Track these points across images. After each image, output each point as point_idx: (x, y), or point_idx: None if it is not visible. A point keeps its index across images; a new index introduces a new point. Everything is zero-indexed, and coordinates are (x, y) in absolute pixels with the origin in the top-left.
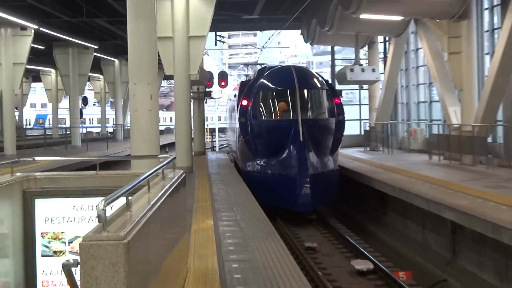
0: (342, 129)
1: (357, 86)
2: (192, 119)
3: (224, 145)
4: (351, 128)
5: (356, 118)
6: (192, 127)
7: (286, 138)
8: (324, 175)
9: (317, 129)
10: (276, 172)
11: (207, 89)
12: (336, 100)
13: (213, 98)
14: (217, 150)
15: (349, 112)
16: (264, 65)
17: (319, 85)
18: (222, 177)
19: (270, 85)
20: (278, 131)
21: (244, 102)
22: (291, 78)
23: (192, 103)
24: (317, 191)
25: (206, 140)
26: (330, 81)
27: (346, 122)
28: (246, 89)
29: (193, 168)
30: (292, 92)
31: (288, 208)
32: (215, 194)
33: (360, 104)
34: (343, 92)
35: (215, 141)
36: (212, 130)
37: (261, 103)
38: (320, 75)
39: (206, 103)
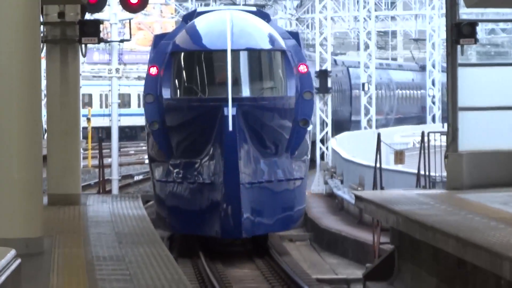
0: (308, 114)
1: None
2: (43, 100)
3: (139, 175)
4: (495, 131)
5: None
6: (45, 126)
7: (211, 128)
8: (273, 186)
9: (262, 113)
10: (194, 180)
11: (89, 16)
12: (300, 68)
13: (107, 43)
14: (114, 190)
15: (487, 86)
16: (194, 9)
17: (269, 44)
18: (127, 267)
19: (191, 43)
20: (199, 116)
21: (153, 70)
22: (222, 33)
23: (45, 55)
24: (260, 210)
25: (83, 164)
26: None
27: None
28: (158, 49)
29: (45, 242)
30: (221, 56)
31: (213, 235)
32: None
33: None
34: (478, 28)
35: (109, 165)
36: (103, 134)
37: (177, 73)
38: (279, 28)
39: (85, 56)
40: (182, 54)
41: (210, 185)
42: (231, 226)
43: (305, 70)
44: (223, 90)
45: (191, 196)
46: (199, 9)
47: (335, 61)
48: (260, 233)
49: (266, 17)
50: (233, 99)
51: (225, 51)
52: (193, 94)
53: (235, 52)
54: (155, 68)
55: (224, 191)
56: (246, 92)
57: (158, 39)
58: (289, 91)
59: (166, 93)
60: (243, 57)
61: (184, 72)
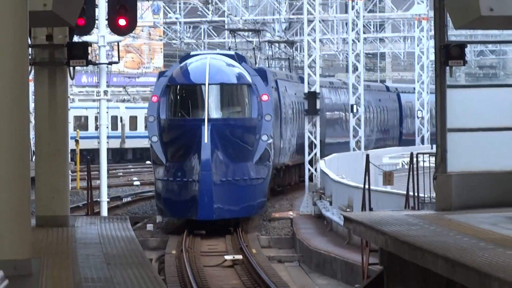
0: (268, 130)
1: (506, 34)
2: (32, 124)
3: (127, 197)
4: (483, 152)
5: (502, 126)
6: (33, 148)
7: (192, 140)
8: (239, 183)
9: (231, 130)
10: (181, 178)
11: (77, 38)
12: (263, 97)
13: (95, 65)
14: (103, 212)
15: (475, 107)
16: (189, 52)
17: (237, 80)
18: None
19: (181, 78)
20: (184, 132)
21: (154, 98)
22: (202, 71)
23: (33, 78)
24: (228, 200)
25: (72, 187)
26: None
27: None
28: (159, 82)
29: (33, 264)
30: (201, 88)
31: (192, 217)
32: None
33: None
34: (467, 50)
35: (97, 185)
36: (89, 156)
37: (170, 100)
38: (249, 67)
39: (73, 79)
40: (174, 86)
41: (192, 182)
42: (206, 211)
43: (267, 98)
44: (202, 113)
45: (179, 190)
46: (192, 53)
47: (387, 87)
48: (228, 217)
49: (241, 59)
50: (208, 119)
51: (204, 84)
52: (181, 116)
53: (211, 85)
54: (155, 97)
55: (201, 186)
56: (218, 114)
57: (160, 75)
58: (253, 114)
59: (163, 115)
60: (217, 89)
61: (175, 99)
